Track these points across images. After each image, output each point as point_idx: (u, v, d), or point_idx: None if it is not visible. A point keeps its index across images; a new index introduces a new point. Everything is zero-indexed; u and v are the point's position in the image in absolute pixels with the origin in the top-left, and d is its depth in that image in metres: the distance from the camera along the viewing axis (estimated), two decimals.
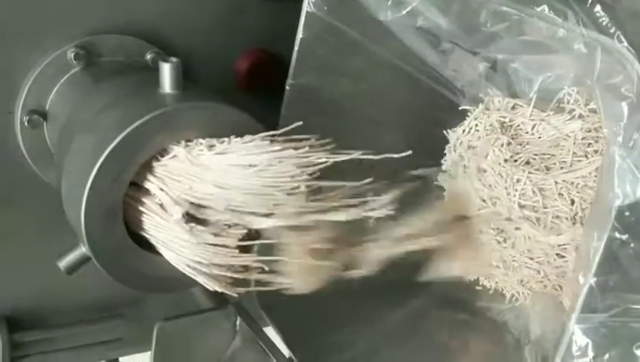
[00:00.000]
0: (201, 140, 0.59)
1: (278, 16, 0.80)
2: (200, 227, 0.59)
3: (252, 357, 0.74)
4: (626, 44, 0.49)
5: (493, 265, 0.78)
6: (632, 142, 0.47)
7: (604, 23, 0.52)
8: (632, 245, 0.49)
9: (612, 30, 0.51)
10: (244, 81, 0.81)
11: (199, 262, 0.59)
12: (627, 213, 0.48)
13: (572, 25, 0.51)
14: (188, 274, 0.60)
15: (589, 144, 0.70)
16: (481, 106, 0.76)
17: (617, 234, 0.49)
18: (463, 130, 0.78)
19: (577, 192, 0.69)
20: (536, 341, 0.70)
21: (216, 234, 0.59)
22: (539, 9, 0.54)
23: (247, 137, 0.59)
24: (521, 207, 0.71)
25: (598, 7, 0.52)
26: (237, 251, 0.61)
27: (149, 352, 0.76)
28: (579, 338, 0.51)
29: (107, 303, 0.84)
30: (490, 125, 0.75)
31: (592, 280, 0.50)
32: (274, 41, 0.81)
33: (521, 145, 0.72)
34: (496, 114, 0.75)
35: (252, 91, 0.81)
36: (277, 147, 0.57)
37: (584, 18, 0.51)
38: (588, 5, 0.53)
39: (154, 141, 0.58)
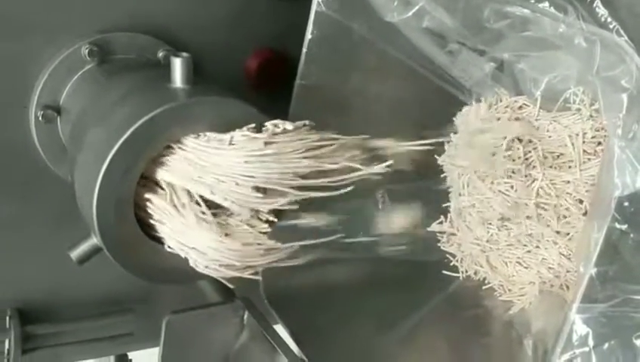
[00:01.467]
0: (246, 130, 0.60)
1: (288, 15, 0.81)
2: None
3: (260, 351, 0.74)
4: (625, 37, 0.50)
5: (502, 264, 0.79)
6: (632, 134, 0.48)
7: (603, 18, 0.52)
8: (631, 235, 0.50)
9: (611, 25, 0.52)
10: (254, 80, 0.82)
11: (226, 265, 0.60)
12: (626, 204, 0.49)
13: (572, 20, 0.52)
14: (207, 273, 0.61)
15: (599, 143, 0.70)
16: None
17: (617, 225, 0.49)
18: None
19: (586, 191, 0.70)
20: (536, 333, 0.70)
21: (245, 244, 0.60)
22: (540, 5, 0.54)
23: (288, 123, 0.61)
24: (537, 206, 0.72)
25: (597, 3, 0.53)
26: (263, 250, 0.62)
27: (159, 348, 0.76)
28: (579, 327, 0.51)
29: (118, 298, 0.84)
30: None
31: (593, 271, 0.50)
32: (283, 39, 0.81)
33: (531, 143, 0.73)
34: (503, 113, 0.76)
35: (262, 89, 0.82)
36: (317, 134, 0.60)
37: (584, 13, 0.52)
38: (588, 1, 0.54)
39: (165, 134, 0.59)
